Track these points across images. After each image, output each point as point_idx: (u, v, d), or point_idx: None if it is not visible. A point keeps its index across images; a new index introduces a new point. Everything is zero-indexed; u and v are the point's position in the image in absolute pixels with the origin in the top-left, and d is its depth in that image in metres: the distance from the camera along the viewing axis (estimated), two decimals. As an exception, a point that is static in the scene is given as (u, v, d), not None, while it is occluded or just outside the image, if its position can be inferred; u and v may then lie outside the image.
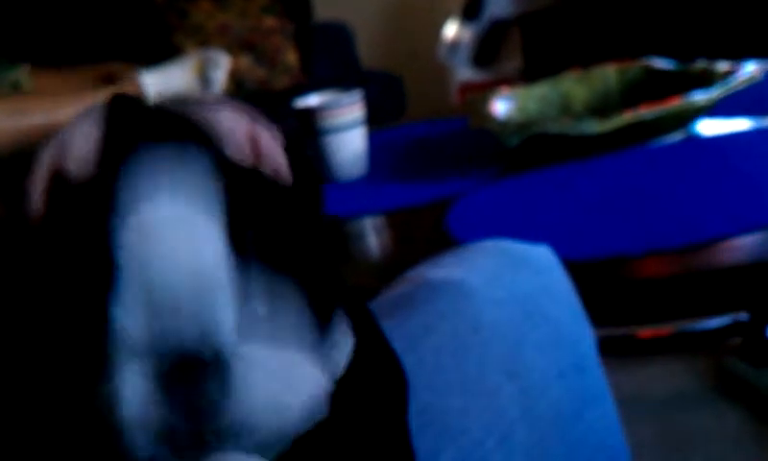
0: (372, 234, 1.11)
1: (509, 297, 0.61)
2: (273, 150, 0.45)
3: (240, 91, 2.45)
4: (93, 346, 0.39)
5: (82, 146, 0.43)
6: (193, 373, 0.38)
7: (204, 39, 2.43)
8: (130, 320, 0.38)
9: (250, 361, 0.39)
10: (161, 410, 0.38)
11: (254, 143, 0.45)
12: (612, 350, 1.75)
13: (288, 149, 0.47)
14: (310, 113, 1.26)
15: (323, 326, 0.43)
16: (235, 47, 2.43)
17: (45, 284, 0.41)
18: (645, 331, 1.88)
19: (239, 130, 0.45)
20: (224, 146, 0.43)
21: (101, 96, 1.89)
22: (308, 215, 0.46)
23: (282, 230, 0.43)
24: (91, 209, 0.41)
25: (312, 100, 1.30)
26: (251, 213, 0.42)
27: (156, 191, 0.40)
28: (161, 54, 2.04)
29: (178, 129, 0.44)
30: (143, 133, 0.43)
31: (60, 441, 0.40)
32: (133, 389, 0.38)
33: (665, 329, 1.88)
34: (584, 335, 0.65)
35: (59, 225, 0.42)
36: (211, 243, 0.40)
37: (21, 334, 0.41)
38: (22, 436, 0.41)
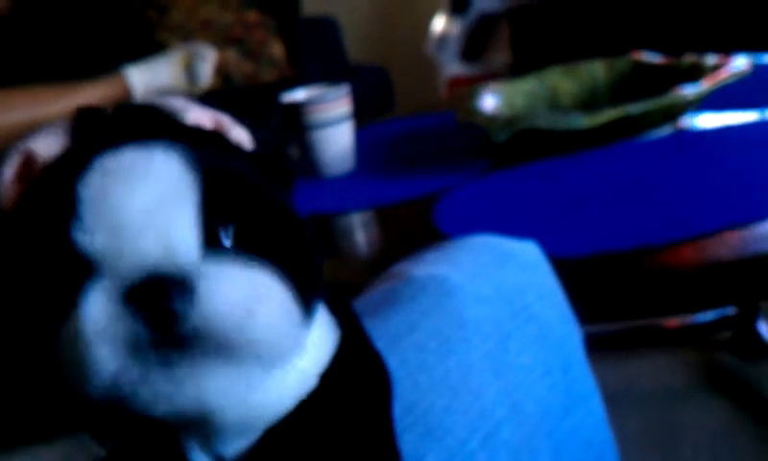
0: (360, 230, 1.11)
1: (494, 293, 0.60)
2: (241, 136, 0.46)
3: (228, 85, 2.43)
4: (57, 273, 0.40)
5: (50, 141, 0.44)
6: (157, 288, 0.38)
7: (186, 36, 2.41)
8: (91, 242, 0.39)
9: (215, 276, 0.39)
10: (125, 323, 0.38)
11: (220, 127, 0.46)
12: (600, 344, 1.75)
13: (261, 144, 0.48)
14: (297, 108, 1.25)
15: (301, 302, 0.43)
16: (220, 42, 2.42)
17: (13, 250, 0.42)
18: (634, 326, 1.88)
19: (204, 117, 0.46)
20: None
21: (85, 91, 1.86)
22: (278, 190, 0.46)
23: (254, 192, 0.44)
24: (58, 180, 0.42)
25: (299, 95, 1.29)
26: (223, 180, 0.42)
27: (121, 148, 0.42)
28: (144, 52, 2.03)
29: (143, 119, 0.45)
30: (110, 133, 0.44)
31: (28, 374, 0.41)
32: (97, 307, 0.38)
33: (654, 324, 1.88)
34: (570, 332, 0.64)
35: (29, 207, 0.42)
36: (174, 166, 0.41)
37: None
38: None
